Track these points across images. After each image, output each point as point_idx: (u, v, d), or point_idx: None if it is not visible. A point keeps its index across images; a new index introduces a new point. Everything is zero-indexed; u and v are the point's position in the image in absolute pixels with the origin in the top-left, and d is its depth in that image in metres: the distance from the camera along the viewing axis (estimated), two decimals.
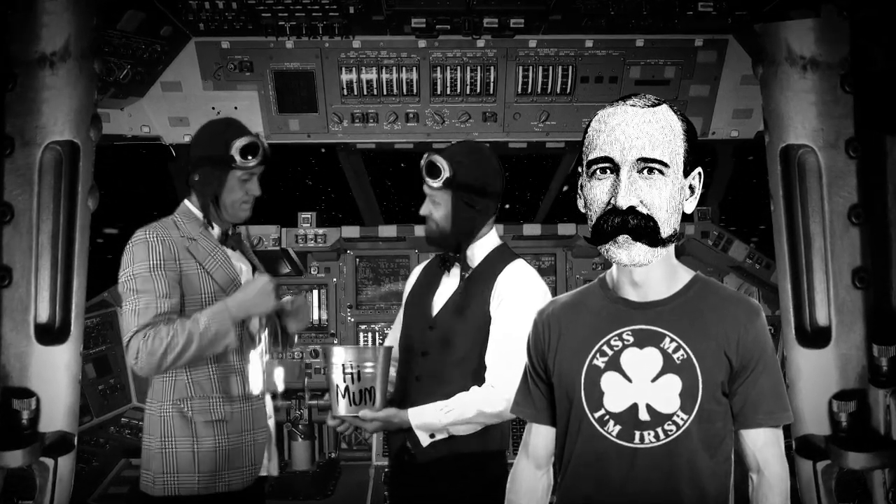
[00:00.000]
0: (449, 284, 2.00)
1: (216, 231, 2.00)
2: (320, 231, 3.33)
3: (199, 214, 1.98)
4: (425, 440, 1.87)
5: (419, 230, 3.33)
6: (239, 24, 2.67)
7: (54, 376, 2.00)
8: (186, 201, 2.00)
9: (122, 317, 1.88)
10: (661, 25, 2.71)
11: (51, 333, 2.02)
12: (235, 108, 2.98)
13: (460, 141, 2.10)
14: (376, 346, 1.89)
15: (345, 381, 1.81)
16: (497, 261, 1.97)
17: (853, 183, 2.02)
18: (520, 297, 1.89)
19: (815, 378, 2.04)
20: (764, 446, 1.29)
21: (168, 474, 1.90)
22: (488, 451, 1.94)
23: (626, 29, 2.75)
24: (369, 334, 3.49)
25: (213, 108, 2.98)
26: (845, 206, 2.03)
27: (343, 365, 1.81)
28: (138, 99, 2.93)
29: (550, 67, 2.91)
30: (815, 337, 2.06)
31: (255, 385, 1.97)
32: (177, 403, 1.91)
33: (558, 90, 2.95)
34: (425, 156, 1.93)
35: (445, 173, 1.90)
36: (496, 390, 1.84)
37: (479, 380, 1.91)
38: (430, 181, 1.92)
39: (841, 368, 2.04)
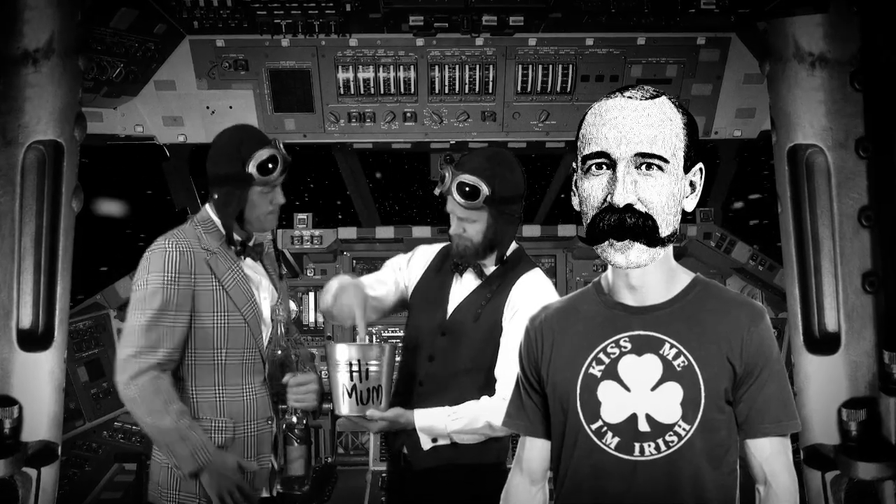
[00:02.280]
0: (462, 287, 1.95)
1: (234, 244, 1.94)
2: (316, 232, 3.31)
3: (219, 224, 1.91)
4: (426, 443, 1.83)
5: (416, 231, 3.30)
6: (234, 22, 2.64)
7: (37, 384, 1.95)
8: (207, 208, 1.93)
9: (126, 323, 1.84)
10: (662, 23, 2.67)
11: (34, 339, 1.97)
12: (230, 107, 2.96)
13: (478, 151, 1.99)
14: (381, 343, 1.82)
15: (351, 380, 1.76)
16: (514, 268, 1.91)
17: (863, 184, 1.97)
18: (533, 310, 1.84)
19: (824, 385, 1.99)
20: (771, 456, 1.23)
21: (171, 489, 1.86)
22: (487, 462, 1.90)
23: (628, 27, 2.71)
24: (366, 338, 3.45)
25: (208, 108, 2.96)
26: (855, 208, 1.97)
27: (349, 363, 1.76)
28: (131, 98, 2.90)
29: (550, 66, 2.88)
30: (823, 343, 2.01)
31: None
32: None
33: (558, 89, 2.92)
34: (450, 176, 1.83)
35: (484, 193, 1.82)
36: (506, 404, 1.79)
37: (483, 391, 1.86)
38: (467, 203, 1.82)
39: (850, 376, 1.98)
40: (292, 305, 3.46)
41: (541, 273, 1.93)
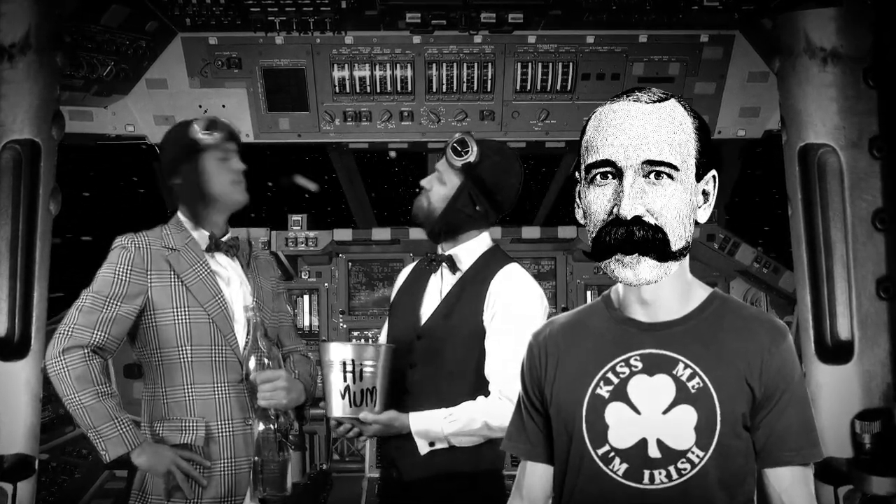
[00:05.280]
0: (437, 288, 1.91)
1: (203, 239, 1.91)
2: (311, 234, 3.26)
3: (189, 224, 1.91)
4: (424, 448, 1.78)
5: (413, 233, 3.24)
6: (227, 20, 2.60)
7: (13, 394, 1.89)
8: (179, 212, 1.94)
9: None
10: (664, 20, 2.63)
11: (9, 348, 1.91)
12: (223, 106, 2.93)
13: (494, 140, 2.01)
14: (377, 344, 1.79)
15: (345, 381, 1.71)
16: (489, 264, 1.88)
17: (877, 185, 1.90)
18: (516, 303, 1.80)
19: (837, 396, 1.92)
20: (791, 487, 1.15)
21: (141, 493, 1.84)
22: (482, 469, 1.84)
23: (629, 24, 2.67)
24: (362, 341, 3.40)
25: (200, 107, 2.92)
26: (869, 211, 1.91)
27: (343, 363, 1.71)
28: (123, 97, 2.86)
29: (550, 64, 2.84)
30: (836, 352, 1.94)
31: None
32: (152, 425, 1.86)
33: (558, 88, 2.88)
34: (457, 134, 1.87)
35: (471, 157, 1.82)
36: (504, 402, 1.75)
37: (474, 394, 1.81)
38: (451, 157, 1.84)
39: (864, 386, 1.92)
40: (286, 308, 3.40)
41: (517, 266, 1.89)
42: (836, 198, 1.93)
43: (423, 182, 1.90)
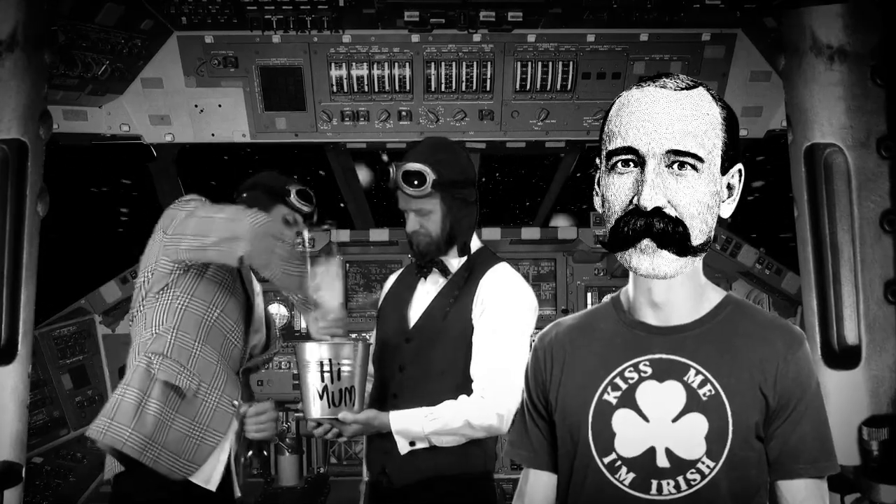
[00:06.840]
0: (426, 292, 1.90)
1: None
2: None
3: None
4: (404, 447, 1.75)
5: None
6: (223, 18, 2.59)
7: None
8: None
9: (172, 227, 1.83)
10: (666, 19, 2.61)
11: None
12: (219, 105, 2.91)
13: (419, 142, 1.98)
14: (354, 342, 1.75)
15: (322, 381, 1.68)
16: (478, 264, 1.87)
17: (886, 186, 1.87)
18: (505, 303, 1.80)
19: (844, 402, 1.89)
20: (805, 501, 1.11)
21: (105, 416, 1.81)
22: (471, 472, 1.82)
23: (630, 23, 2.64)
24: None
25: (196, 106, 2.90)
26: (877, 212, 1.87)
27: (320, 363, 1.69)
28: (118, 96, 2.83)
29: (550, 63, 2.81)
30: (843, 357, 1.91)
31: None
32: (149, 356, 1.84)
33: (558, 87, 2.85)
34: (395, 170, 1.81)
35: (431, 177, 1.79)
36: (486, 402, 1.74)
37: (460, 392, 1.79)
38: (414, 191, 1.79)
39: (872, 391, 1.88)
40: (283, 311, 3.38)
41: (508, 266, 1.89)
42: (843, 199, 1.90)
43: (408, 229, 1.86)
